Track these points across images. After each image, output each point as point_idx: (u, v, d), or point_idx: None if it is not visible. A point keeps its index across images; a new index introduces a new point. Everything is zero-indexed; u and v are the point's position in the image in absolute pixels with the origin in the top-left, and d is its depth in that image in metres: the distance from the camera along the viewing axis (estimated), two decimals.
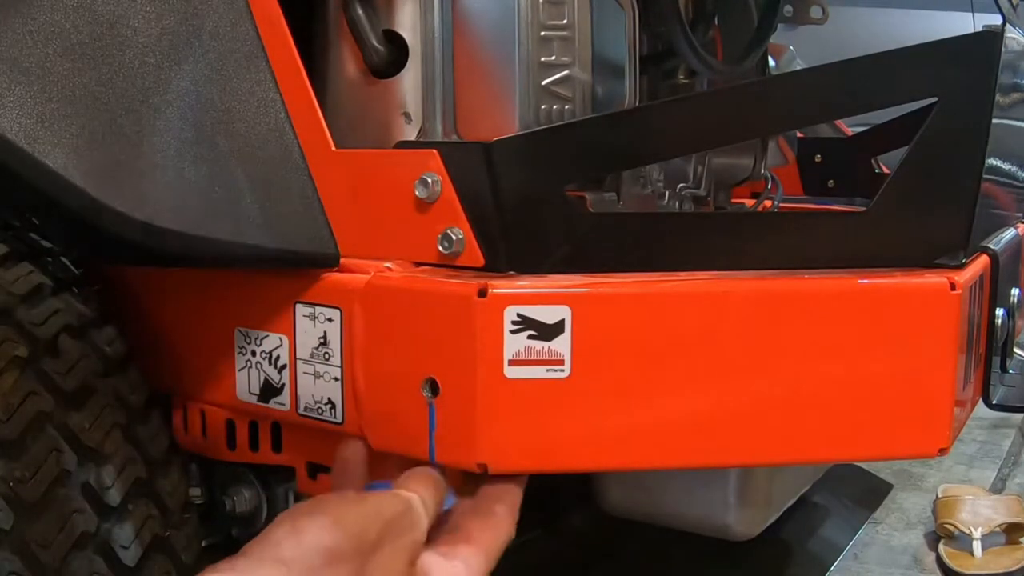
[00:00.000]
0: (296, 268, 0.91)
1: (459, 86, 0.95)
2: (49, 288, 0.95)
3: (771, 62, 1.41)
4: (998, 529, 1.77)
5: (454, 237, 0.84)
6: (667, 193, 1.12)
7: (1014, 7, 1.32)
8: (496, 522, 0.78)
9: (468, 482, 0.81)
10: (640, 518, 1.30)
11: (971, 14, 3.17)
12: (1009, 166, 1.22)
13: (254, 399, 0.96)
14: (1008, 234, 1.13)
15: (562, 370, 0.79)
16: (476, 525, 0.77)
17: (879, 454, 0.92)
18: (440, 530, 0.76)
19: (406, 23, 0.96)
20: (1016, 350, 1.07)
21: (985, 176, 0.90)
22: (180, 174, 0.83)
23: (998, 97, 0.90)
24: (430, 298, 0.82)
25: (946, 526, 1.78)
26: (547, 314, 0.79)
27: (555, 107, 0.95)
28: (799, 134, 1.52)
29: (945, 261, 0.88)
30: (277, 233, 0.87)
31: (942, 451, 0.85)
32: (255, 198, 0.87)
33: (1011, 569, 1.71)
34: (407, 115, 0.96)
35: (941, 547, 1.77)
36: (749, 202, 1.43)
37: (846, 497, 1.91)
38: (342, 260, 0.90)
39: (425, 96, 0.95)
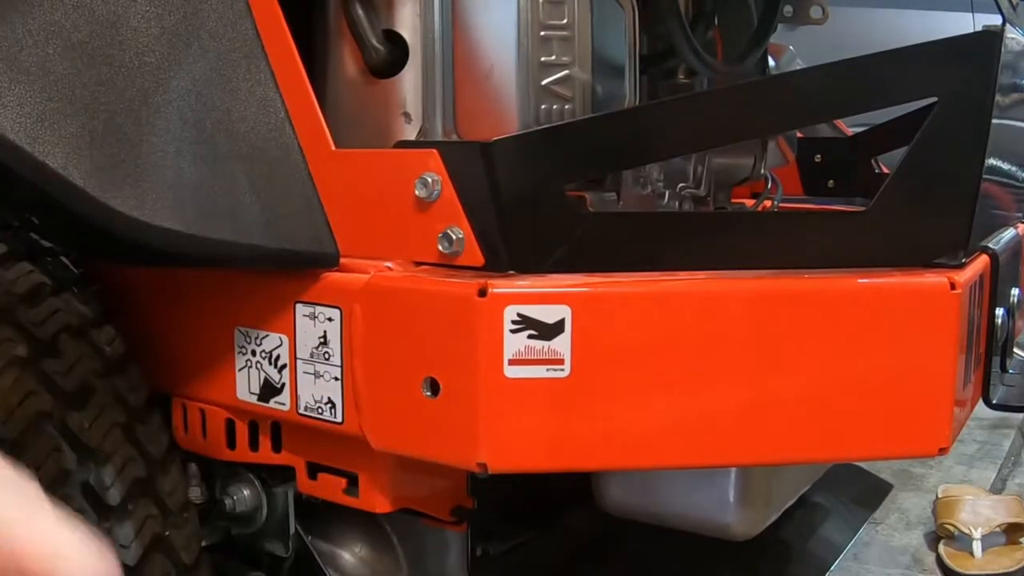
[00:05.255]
0: (296, 268, 0.91)
1: (459, 86, 0.95)
2: (49, 288, 0.95)
3: (771, 62, 1.41)
4: (998, 529, 1.77)
5: (454, 237, 0.84)
6: (667, 193, 1.12)
7: (1014, 7, 1.32)
8: None
9: None
10: (640, 518, 1.30)
11: (971, 14, 3.17)
12: (1009, 166, 1.22)
13: (254, 399, 0.96)
14: (1008, 234, 1.13)
15: (562, 370, 0.79)
16: None
17: (879, 454, 0.92)
18: None
19: (406, 23, 0.96)
20: (1016, 350, 1.07)
21: (985, 176, 0.90)
22: (180, 174, 0.83)
23: (998, 97, 0.90)
24: (430, 298, 0.82)
25: (946, 526, 1.78)
26: (547, 314, 0.79)
27: (555, 107, 0.95)
28: (799, 134, 1.52)
29: (945, 261, 0.88)
30: (277, 233, 0.87)
31: (942, 451, 0.85)
32: (255, 198, 0.87)
33: (1011, 569, 1.71)
34: (407, 115, 0.96)
35: (941, 547, 1.77)
36: (749, 202, 1.43)
37: (846, 497, 1.91)
38: (342, 260, 0.90)
39: (425, 96, 0.95)
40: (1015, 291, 1.07)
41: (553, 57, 0.95)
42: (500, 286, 0.79)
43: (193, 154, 0.84)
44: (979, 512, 1.79)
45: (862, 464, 2.00)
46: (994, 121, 0.89)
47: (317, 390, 0.90)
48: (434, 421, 0.82)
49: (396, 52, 0.97)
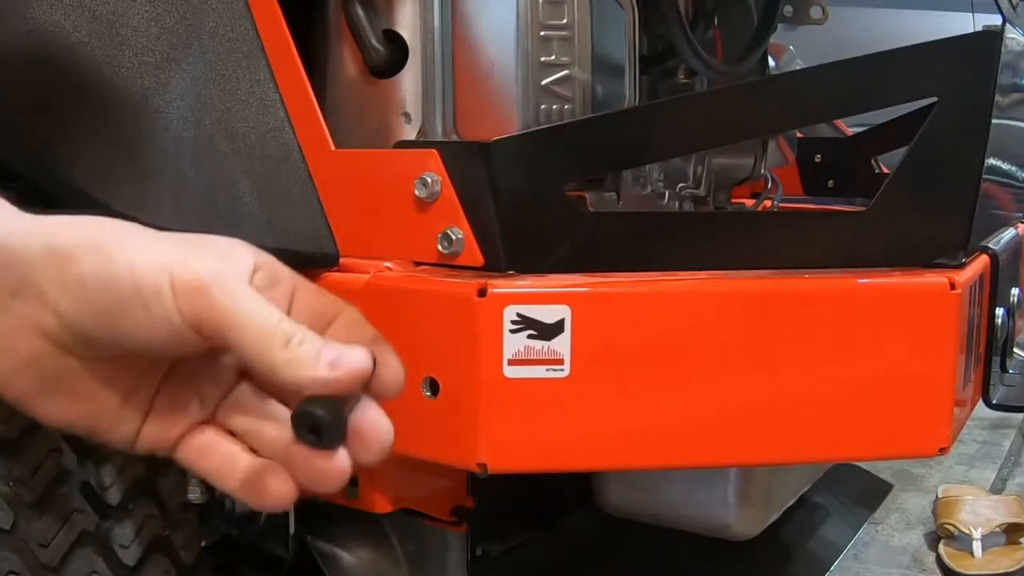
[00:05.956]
0: (296, 268, 0.91)
1: (459, 86, 0.94)
2: None
3: (771, 62, 1.41)
4: (998, 529, 1.77)
5: (454, 237, 0.84)
6: (667, 193, 1.12)
7: (1014, 7, 1.32)
8: None
9: None
10: (640, 518, 1.30)
11: (971, 14, 3.17)
12: (1009, 166, 1.22)
13: None
14: (1008, 234, 1.13)
15: (562, 370, 0.79)
16: None
17: (879, 454, 0.92)
18: None
19: (406, 23, 0.96)
20: (1016, 350, 1.07)
21: (985, 176, 0.90)
22: (180, 174, 0.83)
23: (998, 97, 0.90)
24: (430, 298, 0.82)
25: (946, 526, 1.78)
26: (547, 314, 0.79)
27: (555, 107, 0.95)
28: (799, 134, 1.52)
29: (945, 261, 0.88)
30: (277, 233, 0.87)
31: (942, 451, 0.85)
32: (255, 198, 0.87)
33: (1011, 569, 1.70)
34: (407, 115, 0.96)
35: (941, 547, 1.77)
36: (749, 202, 1.43)
37: (846, 497, 1.91)
38: (342, 260, 0.90)
39: (425, 96, 0.95)
40: (1015, 291, 1.07)
41: (553, 57, 0.95)
42: (500, 286, 0.79)
43: (193, 154, 0.84)
44: (979, 512, 1.79)
45: (862, 464, 2.00)
46: (994, 121, 0.89)
47: None
48: (434, 421, 0.82)
49: (396, 52, 0.97)
